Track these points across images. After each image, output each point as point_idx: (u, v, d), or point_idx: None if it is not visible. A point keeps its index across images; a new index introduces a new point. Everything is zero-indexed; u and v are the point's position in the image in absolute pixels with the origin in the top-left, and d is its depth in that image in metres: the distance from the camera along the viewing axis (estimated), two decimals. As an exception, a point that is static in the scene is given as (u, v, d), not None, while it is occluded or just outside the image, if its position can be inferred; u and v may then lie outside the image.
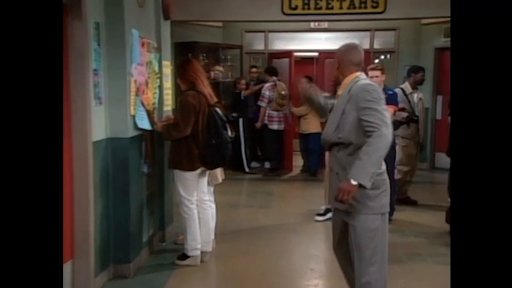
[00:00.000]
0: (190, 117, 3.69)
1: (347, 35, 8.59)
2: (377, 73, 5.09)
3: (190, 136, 3.71)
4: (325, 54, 8.71)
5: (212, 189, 4.20)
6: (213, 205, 4.14)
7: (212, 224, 4.09)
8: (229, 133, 3.84)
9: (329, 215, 5.36)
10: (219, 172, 4.14)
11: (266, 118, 7.67)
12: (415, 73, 5.95)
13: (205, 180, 4.00)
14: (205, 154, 3.72)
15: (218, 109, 3.82)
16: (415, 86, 5.94)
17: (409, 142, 5.88)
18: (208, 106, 3.75)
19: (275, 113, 7.65)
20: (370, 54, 8.38)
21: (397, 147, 5.87)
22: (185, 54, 7.16)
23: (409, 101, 5.85)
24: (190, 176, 3.79)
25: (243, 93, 7.85)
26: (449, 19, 8.32)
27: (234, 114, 7.88)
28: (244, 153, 7.92)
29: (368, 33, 8.51)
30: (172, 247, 4.30)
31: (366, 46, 8.56)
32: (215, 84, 8.17)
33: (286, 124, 7.77)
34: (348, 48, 2.66)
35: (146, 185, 4.04)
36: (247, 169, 7.92)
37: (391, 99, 5.09)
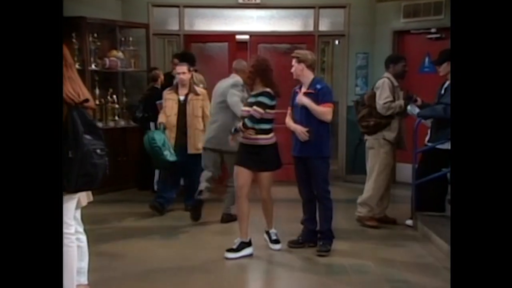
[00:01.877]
0: None
1: (285, 12, 8.46)
2: (292, 61, 4.90)
3: None
4: (257, 38, 8.49)
5: (78, 214, 3.79)
6: (84, 238, 3.76)
7: (84, 264, 3.74)
8: (100, 142, 3.46)
9: (246, 251, 4.97)
10: (84, 193, 3.76)
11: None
12: (394, 63, 5.93)
13: (69, 205, 3.58)
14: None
15: (84, 110, 3.43)
16: (396, 79, 5.88)
17: (391, 148, 5.81)
18: (69, 106, 3.35)
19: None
20: (314, 37, 8.23)
21: (373, 153, 5.80)
22: (67, 34, 6.74)
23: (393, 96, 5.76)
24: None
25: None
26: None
27: (141, 114, 7.47)
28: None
29: (311, 11, 8.36)
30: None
31: (310, 27, 8.44)
32: (111, 75, 7.76)
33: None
34: None
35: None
36: (156, 187, 7.54)
37: (322, 96, 4.81)
